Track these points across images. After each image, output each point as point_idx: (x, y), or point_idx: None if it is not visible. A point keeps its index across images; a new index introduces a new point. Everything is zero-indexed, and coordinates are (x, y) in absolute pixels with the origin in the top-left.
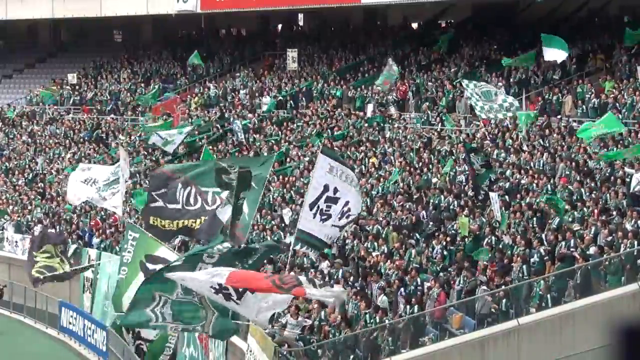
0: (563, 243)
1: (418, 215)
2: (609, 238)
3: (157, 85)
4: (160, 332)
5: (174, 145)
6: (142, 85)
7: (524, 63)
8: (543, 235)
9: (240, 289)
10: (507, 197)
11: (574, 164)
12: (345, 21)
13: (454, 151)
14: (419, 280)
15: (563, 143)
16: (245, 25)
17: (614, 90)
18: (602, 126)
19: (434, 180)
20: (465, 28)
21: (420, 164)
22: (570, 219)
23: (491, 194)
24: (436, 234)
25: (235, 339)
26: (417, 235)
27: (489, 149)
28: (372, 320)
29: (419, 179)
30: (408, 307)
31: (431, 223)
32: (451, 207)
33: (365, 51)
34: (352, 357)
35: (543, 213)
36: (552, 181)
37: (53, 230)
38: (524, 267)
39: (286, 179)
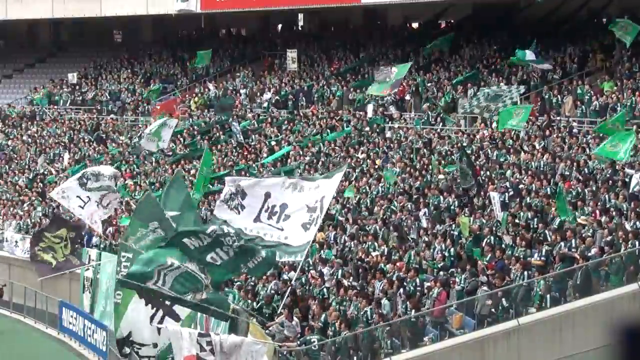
0: (562, 243)
1: (417, 216)
2: (609, 238)
3: (159, 86)
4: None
5: (164, 144)
6: (142, 85)
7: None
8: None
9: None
10: (506, 196)
11: (575, 164)
12: (345, 21)
13: (454, 151)
14: (418, 280)
15: (563, 144)
16: (245, 25)
17: (613, 90)
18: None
19: (440, 177)
20: (466, 28)
21: (421, 163)
22: (571, 219)
23: (492, 194)
24: (436, 233)
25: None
26: (417, 235)
27: (489, 150)
28: (371, 319)
29: (420, 180)
30: (407, 307)
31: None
32: (451, 207)
33: (365, 51)
34: (352, 357)
35: (543, 213)
36: (552, 182)
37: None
38: (526, 272)
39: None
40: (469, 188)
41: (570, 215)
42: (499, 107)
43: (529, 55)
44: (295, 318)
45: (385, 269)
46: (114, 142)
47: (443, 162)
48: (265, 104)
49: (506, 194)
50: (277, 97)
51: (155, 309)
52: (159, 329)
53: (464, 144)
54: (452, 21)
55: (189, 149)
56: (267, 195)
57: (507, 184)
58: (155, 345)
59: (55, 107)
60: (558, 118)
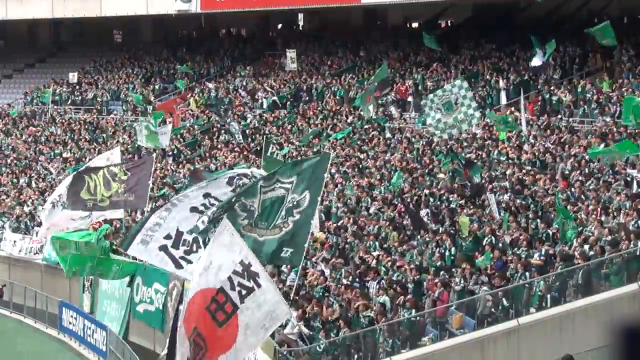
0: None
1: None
2: (609, 237)
3: (158, 86)
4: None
5: (166, 137)
6: (143, 85)
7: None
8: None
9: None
10: (506, 196)
11: (575, 164)
12: (345, 21)
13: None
14: (418, 280)
15: (563, 143)
16: (245, 25)
17: (612, 90)
18: (615, 150)
19: (440, 175)
20: (466, 28)
21: (422, 163)
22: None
23: (488, 195)
24: (437, 233)
25: None
26: (417, 235)
27: (490, 149)
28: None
29: (422, 180)
30: (407, 307)
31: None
32: (451, 206)
33: (365, 51)
34: (352, 357)
35: (543, 213)
36: (554, 181)
37: None
38: (527, 273)
39: None
40: (468, 185)
41: (573, 232)
42: (457, 116)
43: (535, 61)
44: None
45: (385, 267)
46: (113, 142)
47: (444, 160)
48: (265, 104)
49: (505, 194)
50: (276, 97)
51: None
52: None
53: (453, 146)
54: (452, 21)
55: (189, 149)
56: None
57: (507, 184)
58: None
59: (56, 106)
60: (558, 117)
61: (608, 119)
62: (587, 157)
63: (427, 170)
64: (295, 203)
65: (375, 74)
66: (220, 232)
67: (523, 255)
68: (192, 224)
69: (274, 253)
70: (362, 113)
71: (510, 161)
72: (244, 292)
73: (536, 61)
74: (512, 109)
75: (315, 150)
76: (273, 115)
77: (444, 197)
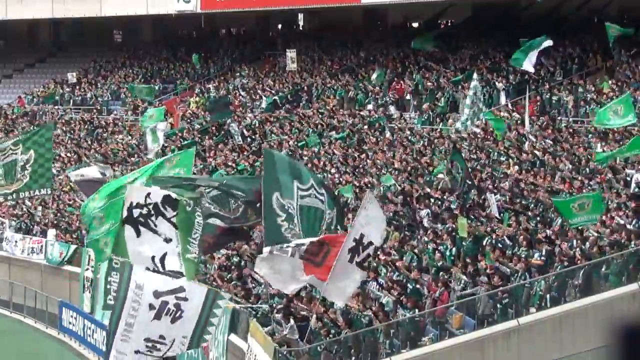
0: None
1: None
2: (610, 237)
3: (158, 86)
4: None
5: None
6: (142, 85)
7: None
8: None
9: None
10: (507, 196)
11: (576, 164)
12: (345, 21)
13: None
14: (417, 280)
15: (564, 143)
16: (245, 25)
17: (612, 90)
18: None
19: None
20: (465, 28)
21: (422, 163)
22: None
23: (488, 195)
24: (437, 233)
25: (235, 339)
26: (418, 235)
27: (490, 149)
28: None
29: (421, 179)
30: (407, 307)
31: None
32: (451, 206)
33: (365, 51)
34: (352, 357)
35: (544, 213)
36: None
37: None
38: (527, 274)
39: None
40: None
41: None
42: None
43: (527, 64)
44: (291, 320)
45: (385, 267)
46: (114, 142)
47: (445, 160)
48: (265, 104)
49: (506, 195)
50: (276, 97)
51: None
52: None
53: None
54: (452, 21)
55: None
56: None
57: (507, 184)
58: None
59: (56, 106)
60: (559, 118)
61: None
62: (586, 157)
63: (426, 170)
64: (330, 221)
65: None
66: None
67: (523, 255)
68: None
69: None
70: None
71: (510, 161)
72: None
73: (527, 65)
74: (511, 108)
75: (315, 150)
76: (273, 115)
77: (445, 197)
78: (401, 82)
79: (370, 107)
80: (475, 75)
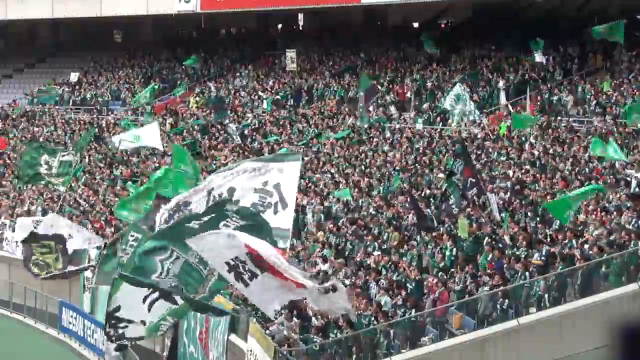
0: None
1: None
2: (611, 237)
3: (157, 86)
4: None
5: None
6: (142, 85)
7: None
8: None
9: (256, 269)
10: (507, 196)
11: (576, 164)
12: (345, 21)
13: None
14: (418, 280)
15: (564, 143)
16: (245, 25)
17: (612, 90)
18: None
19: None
20: (465, 28)
21: (422, 163)
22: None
23: (489, 195)
24: (437, 233)
25: (235, 339)
26: (418, 235)
27: (490, 149)
28: (368, 318)
29: (421, 180)
30: (407, 306)
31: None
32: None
33: (365, 51)
34: (352, 357)
35: (543, 213)
36: (553, 180)
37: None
38: (527, 273)
39: None
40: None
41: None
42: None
43: (538, 57)
44: (295, 318)
45: (385, 267)
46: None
47: (444, 159)
48: (265, 104)
49: (507, 195)
50: (277, 97)
51: (151, 290)
52: (150, 307)
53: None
54: (452, 21)
55: (191, 150)
56: (209, 192)
57: (508, 184)
58: (143, 323)
59: (56, 106)
60: (559, 118)
61: (609, 119)
62: (587, 157)
63: (427, 170)
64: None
65: (359, 85)
66: None
67: (523, 255)
68: None
69: None
70: (358, 123)
71: (510, 161)
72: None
73: (539, 57)
74: (519, 108)
75: (315, 150)
76: (273, 115)
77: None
78: (402, 83)
79: (370, 107)
80: (458, 85)
